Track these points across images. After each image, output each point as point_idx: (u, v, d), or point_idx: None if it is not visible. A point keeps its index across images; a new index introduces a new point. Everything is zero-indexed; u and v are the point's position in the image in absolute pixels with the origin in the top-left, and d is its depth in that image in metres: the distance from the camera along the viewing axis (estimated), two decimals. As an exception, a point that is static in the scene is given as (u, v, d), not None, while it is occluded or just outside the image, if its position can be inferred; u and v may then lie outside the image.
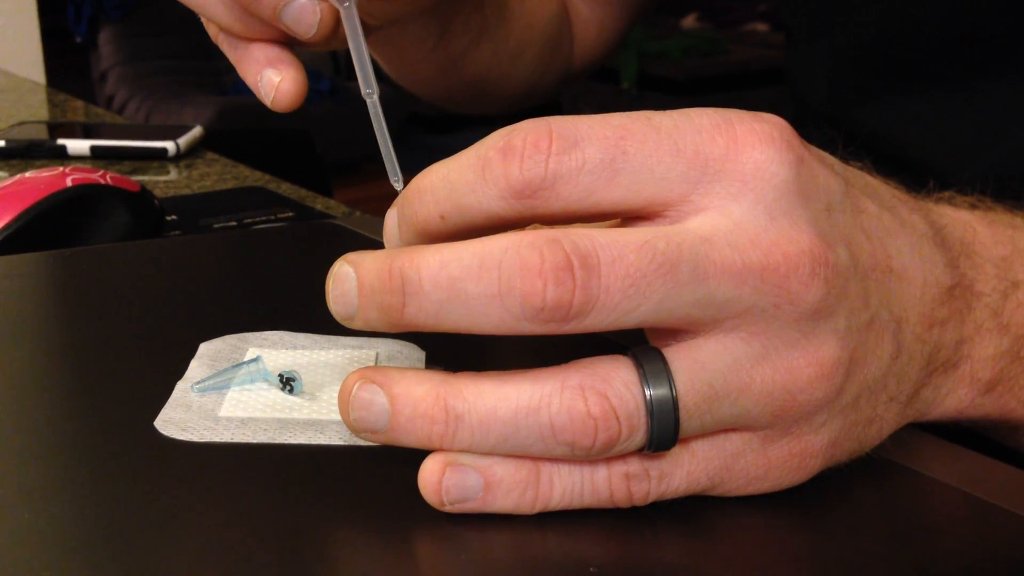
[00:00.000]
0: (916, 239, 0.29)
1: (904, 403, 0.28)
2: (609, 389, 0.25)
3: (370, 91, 0.32)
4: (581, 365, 0.25)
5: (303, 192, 0.68)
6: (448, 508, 0.26)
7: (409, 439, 0.26)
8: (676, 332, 0.25)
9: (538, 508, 0.26)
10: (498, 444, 0.25)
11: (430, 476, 0.26)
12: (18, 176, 0.53)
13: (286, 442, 0.29)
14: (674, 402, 0.25)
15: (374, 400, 0.25)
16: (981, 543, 0.26)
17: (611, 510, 0.26)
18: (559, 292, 0.23)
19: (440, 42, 0.51)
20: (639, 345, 0.26)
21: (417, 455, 0.26)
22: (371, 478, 0.28)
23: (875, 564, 0.25)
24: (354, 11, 0.32)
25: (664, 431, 0.25)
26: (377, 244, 0.48)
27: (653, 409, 0.25)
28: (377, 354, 0.35)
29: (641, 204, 0.25)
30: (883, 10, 0.49)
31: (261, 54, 0.35)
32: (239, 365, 0.32)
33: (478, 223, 0.25)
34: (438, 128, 3.92)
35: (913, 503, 0.28)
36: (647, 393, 0.25)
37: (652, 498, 0.26)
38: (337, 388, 0.32)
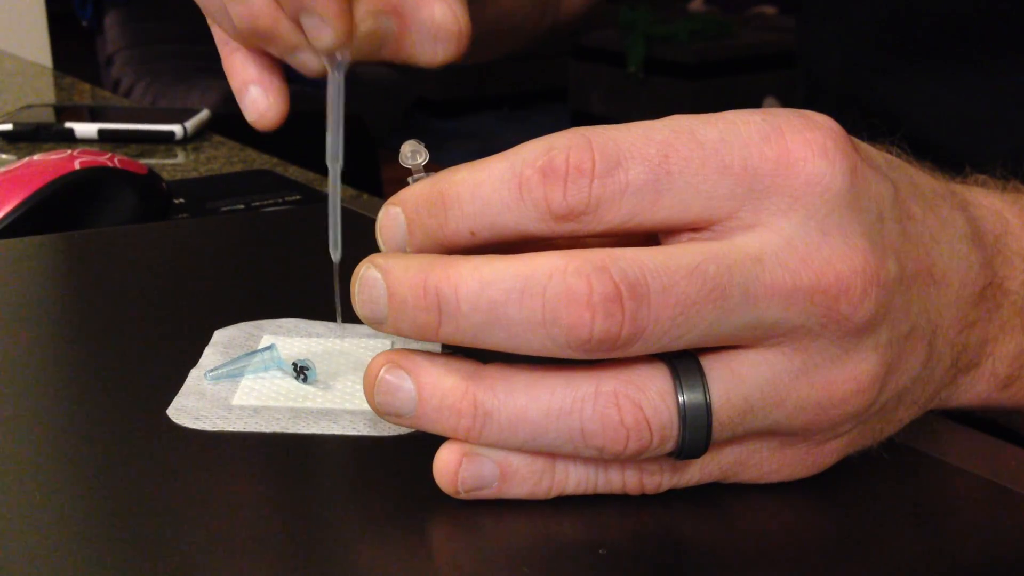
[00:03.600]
0: (956, 239, 0.28)
1: (923, 404, 0.28)
2: (644, 398, 0.24)
3: (336, 161, 0.32)
4: (616, 370, 0.24)
5: (311, 175, 0.67)
6: (463, 496, 0.25)
7: (434, 429, 0.25)
8: None
9: (553, 495, 0.26)
10: (525, 443, 0.24)
11: (446, 465, 0.25)
12: (26, 159, 0.52)
13: (299, 431, 0.29)
14: (708, 416, 0.24)
15: (401, 386, 0.25)
16: (996, 526, 0.26)
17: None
18: (607, 324, 0.23)
19: None
20: (676, 351, 0.25)
21: (431, 444, 0.25)
22: (383, 468, 0.27)
23: (891, 547, 0.25)
24: (342, 78, 0.31)
25: (695, 443, 0.24)
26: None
27: (686, 422, 0.24)
28: (392, 342, 0.34)
29: (686, 222, 0.24)
30: None
31: (252, 67, 0.34)
32: (253, 353, 0.32)
33: (512, 240, 0.24)
34: (444, 113, 3.91)
35: (929, 487, 0.28)
36: (681, 404, 0.24)
37: (664, 488, 0.26)
38: (351, 378, 0.32)
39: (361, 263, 0.25)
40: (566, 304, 0.23)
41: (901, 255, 0.25)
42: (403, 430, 0.29)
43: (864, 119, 0.34)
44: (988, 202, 0.30)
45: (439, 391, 0.24)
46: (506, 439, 0.24)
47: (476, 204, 0.24)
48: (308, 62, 0.32)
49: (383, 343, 0.34)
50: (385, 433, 0.29)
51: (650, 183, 0.23)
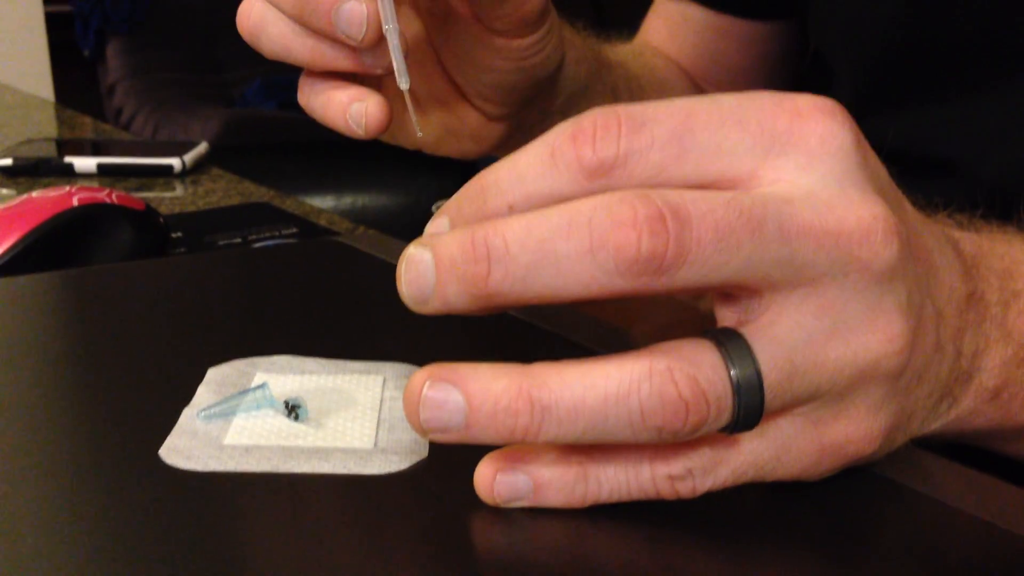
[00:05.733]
0: (943, 243, 0.29)
1: (931, 408, 0.29)
2: (698, 372, 0.24)
3: (389, 27, 0.36)
4: (665, 349, 0.25)
5: (307, 207, 0.67)
6: (504, 506, 0.27)
7: (488, 435, 0.25)
8: (746, 309, 0.25)
9: (588, 503, 0.26)
10: (584, 433, 0.25)
11: (483, 480, 0.27)
12: (25, 196, 0.53)
13: (290, 471, 0.29)
14: (760, 382, 0.25)
15: (448, 399, 0.25)
16: (990, 567, 0.26)
17: (622, 518, 0.26)
18: (654, 243, 0.23)
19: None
20: (715, 328, 0.26)
21: (422, 482, 0.25)
22: (373, 506, 0.28)
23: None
24: None
25: (750, 411, 0.25)
26: (382, 262, 0.48)
27: (740, 390, 0.24)
28: (384, 379, 0.34)
29: (711, 179, 0.25)
30: (910, 22, 0.49)
31: (344, 95, 0.37)
32: (245, 391, 0.32)
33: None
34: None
35: (923, 527, 0.28)
36: (733, 374, 0.24)
37: (700, 492, 0.26)
38: (343, 415, 0.32)
39: (407, 247, 0.25)
40: (613, 228, 0.23)
41: (908, 228, 0.26)
42: (392, 468, 0.29)
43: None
44: (960, 232, 0.32)
45: (491, 396, 0.24)
46: (565, 433, 0.25)
47: (512, 179, 0.25)
48: (355, 15, 0.35)
49: (375, 379, 0.34)
50: (375, 472, 0.29)
51: (674, 139, 0.25)
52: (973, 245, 0.31)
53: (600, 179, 0.24)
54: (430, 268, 0.25)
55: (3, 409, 0.33)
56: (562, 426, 0.24)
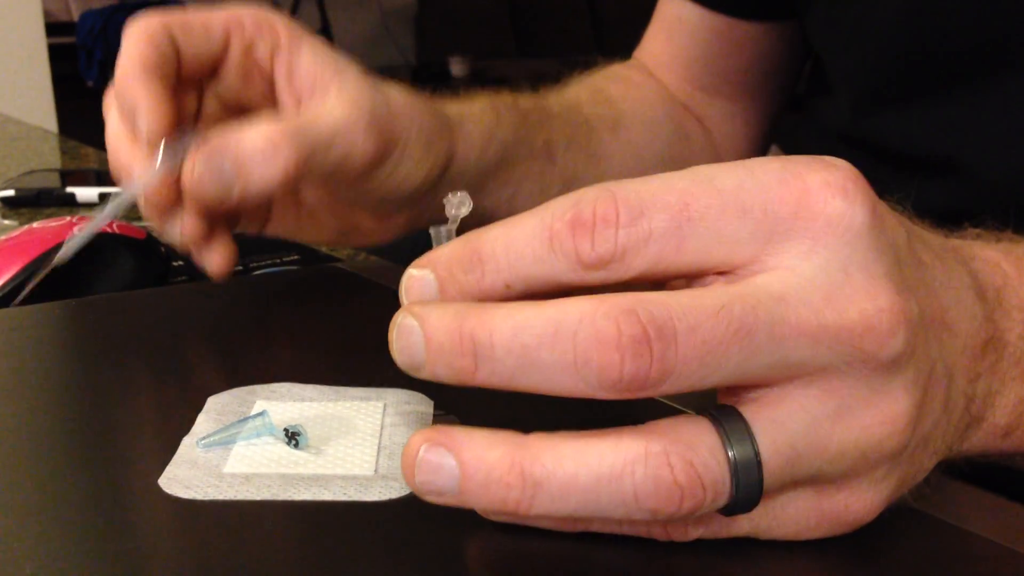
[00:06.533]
0: (962, 291, 0.28)
1: (941, 455, 0.28)
2: (695, 456, 0.24)
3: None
4: (662, 429, 0.24)
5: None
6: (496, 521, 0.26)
7: (480, 504, 0.25)
8: (749, 388, 0.25)
9: (579, 529, 0.26)
10: (576, 511, 0.24)
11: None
12: (26, 227, 0.53)
13: (290, 498, 0.29)
14: (759, 467, 0.24)
15: (442, 464, 0.25)
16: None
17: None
18: (636, 365, 0.23)
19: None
20: (715, 405, 0.25)
21: (422, 509, 0.25)
22: (374, 534, 0.27)
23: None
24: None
25: (748, 495, 0.24)
26: (383, 289, 0.48)
27: (739, 475, 0.24)
28: (385, 405, 0.34)
29: (711, 266, 0.25)
30: (912, 22, 0.49)
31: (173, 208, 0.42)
32: (245, 419, 0.32)
33: (545, 290, 0.25)
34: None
35: (935, 549, 0.27)
36: (731, 458, 0.24)
37: (691, 538, 0.26)
38: (343, 442, 0.32)
39: (398, 312, 0.25)
40: (596, 347, 0.23)
41: (919, 297, 0.26)
42: (393, 495, 0.29)
43: (876, 156, 0.35)
44: (986, 254, 0.31)
45: (484, 465, 0.24)
46: (557, 508, 0.24)
47: (510, 258, 0.25)
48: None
49: (375, 405, 0.34)
50: (376, 498, 0.29)
51: (672, 230, 0.24)
52: (995, 274, 0.30)
53: (598, 271, 0.24)
54: (420, 344, 0.25)
55: (4, 439, 0.33)
56: (554, 502, 0.24)
